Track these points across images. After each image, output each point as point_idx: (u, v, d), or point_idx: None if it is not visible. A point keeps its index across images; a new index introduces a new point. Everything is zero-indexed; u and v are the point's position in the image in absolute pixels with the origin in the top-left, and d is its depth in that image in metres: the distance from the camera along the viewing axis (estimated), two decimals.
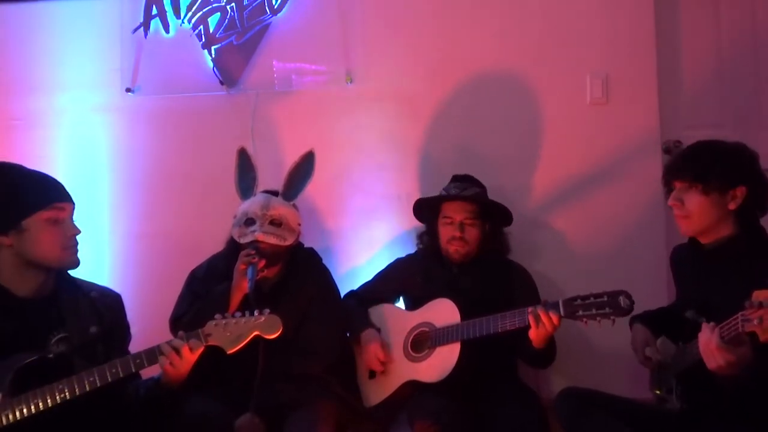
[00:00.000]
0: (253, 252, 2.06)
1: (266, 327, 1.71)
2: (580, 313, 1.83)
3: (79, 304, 1.69)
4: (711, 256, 1.76)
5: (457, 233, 2.25)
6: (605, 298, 1.81)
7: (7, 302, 1.61)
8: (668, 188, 1.81)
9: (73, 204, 1.69)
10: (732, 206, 1.69)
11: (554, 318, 1.87)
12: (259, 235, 2.09)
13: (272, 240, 2.10)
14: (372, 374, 2.27)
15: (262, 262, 2.07)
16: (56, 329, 1.60)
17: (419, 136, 2.73)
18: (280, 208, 2.17)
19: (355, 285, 2.52)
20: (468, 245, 2.27)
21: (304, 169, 2.26)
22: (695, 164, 1.71)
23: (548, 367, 2.22)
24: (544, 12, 2.67)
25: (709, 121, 2.71)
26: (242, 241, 2.12)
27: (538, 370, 2.44)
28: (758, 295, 1.37)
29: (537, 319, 1.88)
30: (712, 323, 1.49)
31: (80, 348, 1.61)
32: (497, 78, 2.70)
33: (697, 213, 1.71)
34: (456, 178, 2.36)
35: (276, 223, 2.14)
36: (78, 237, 1.68)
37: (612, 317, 1.80)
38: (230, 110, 2.80)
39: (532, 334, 1.92)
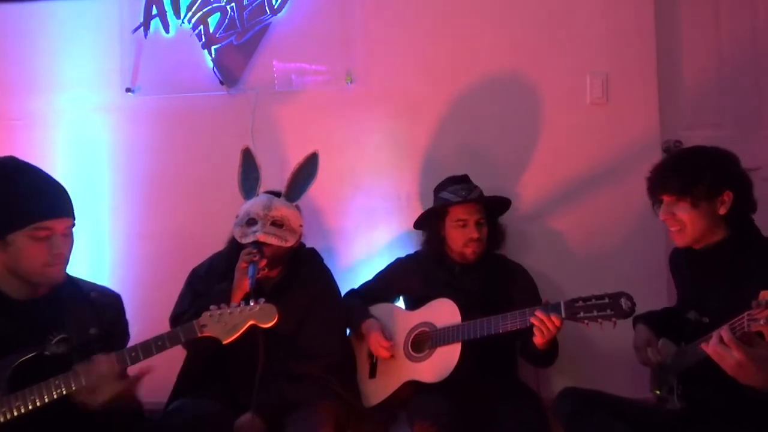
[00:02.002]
0: (255, 251, 2.06)
1: (261, 316, 1.71)
2: (582, 314, 1.84)
3: (79, 305, 1.68)
4: (705, 259, 1.76)
5: (475, 234, 2.25)
6: (606, 300, 1.81)
7: (4, 304, 1.61)
8: (655, 201, 1.82)
9: (71, 218, 1.64)
10: (722, 211, 1.70)
11: (556, 320, 1.87)
12: (261, 236, 2.09)
13: (273, 241, 2.10)
14: (372, 374, 2.27)
15: (264, 261, 2.07)
16: (56, 330, 1.60)
17: (419, 135, 2.73)
18: (282, 209, 2.16)
19: (356, 284, 2.52)
20: (483, 244, 2.29)
21: (307, 170, 2.25)
22: (679, 178, 1.72)
23: (551, 365, 2.23)
24: (544, 12, 2.67)
25: (709, 121, 2.72)
26: (243, 241, 2.12)
27: (539, 370, 2.45)
28: (765, 295, 1.38)
29: (541, 323, 1.89)
30: (723, 328, 1.47)
31: (79, 349, 1.61)
32: (497, 78, 2.70)
33: (689, 224, 1.72)
34: (456, 180, 2.35)
35: (278, 223, 2.14)
36: (75, 239, 1.66)
37: (613, 319, 1.80)
38: (230, 110, 2.80)
39: (537, 338, 1.92)
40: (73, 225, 1.66)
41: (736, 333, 1.43)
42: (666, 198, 1.76)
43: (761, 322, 1.37)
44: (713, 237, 1.73)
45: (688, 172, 1.72)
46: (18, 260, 1.58)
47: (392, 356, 2.20)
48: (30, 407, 1.52)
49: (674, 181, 1.73)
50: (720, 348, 1.44)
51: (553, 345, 2.03)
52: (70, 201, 1.67)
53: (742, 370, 1.42)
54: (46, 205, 1.60)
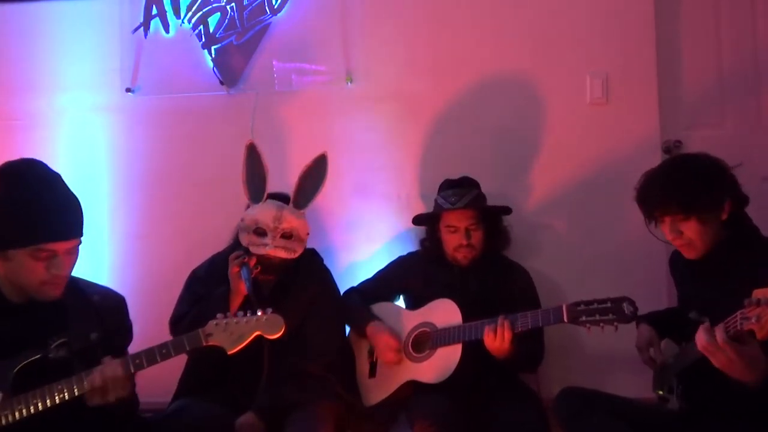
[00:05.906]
0: (242, 252, 2.05)
1: (268, 327, 1.70)
2: (583, 318, 1.83)
3: (81, 309, 1.67)
4: (705, 260, 1.76)
5: (464, 241, 2.25)
6: (609, 304, 1.80)
7: (5, 307, 1.60)
8: (651, 218, 1.80)
9: (76, 240, 1.61)
10: (723, 217, 1.71)
11: (507, 333, 1.90)
12: (271, 251, 2.08)
13: (282, 254, 2.10)
14: (372, 374, 2.27)
15: (254, 260, 2.06)
16: (56, 334, 1.59)
17: (419, 136, 2.72)
18: (292, 220, 2.14)
19: (356, 284, 2.51)
20: (475, 249, 2.27)
21: (316, 174, 2.20)
22: (683, 198, 1.69)
23: (533, 371, 2.24)
24: (544, 12, 2.67)
25: (709, 121, 2.71)
26: (253, 251, 2.10)
27: (539, 370, 2.44)
28: (757, 293, 1.39)
29: (494, 332, 1.92)
30: (706, 324, 1.51)
31: (80, 353, 1.60)
32: (497, 78, 2.70)
33: (698, 238, 1.72)
34: (451, 184, 2.33)
35: (287, 235, 2.13)
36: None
37: (615, 324, 1.79)
38: (230, 110, 2.80)
39: (488, 345, 1.94)
40: (80, 243, 1.63)
41: (730, 332, 1.45)
42: (669, 218, 1.73)
43: (752, 320, 1.38)
44: (715, 241, 1.74)
45: (690, 190, 1.69)
46: (16, 275, 1.57)
47: (399, 360, 2.17)
48: (32, 410, 1.52)
49: (678, 202, 1.70)
50: (711, 345, 1.47)
51: (520, 355, 2.01)
52: (81, 219, 1.62)
53: (732, 366, 1.46)
54: (51, 227, 1.55)
